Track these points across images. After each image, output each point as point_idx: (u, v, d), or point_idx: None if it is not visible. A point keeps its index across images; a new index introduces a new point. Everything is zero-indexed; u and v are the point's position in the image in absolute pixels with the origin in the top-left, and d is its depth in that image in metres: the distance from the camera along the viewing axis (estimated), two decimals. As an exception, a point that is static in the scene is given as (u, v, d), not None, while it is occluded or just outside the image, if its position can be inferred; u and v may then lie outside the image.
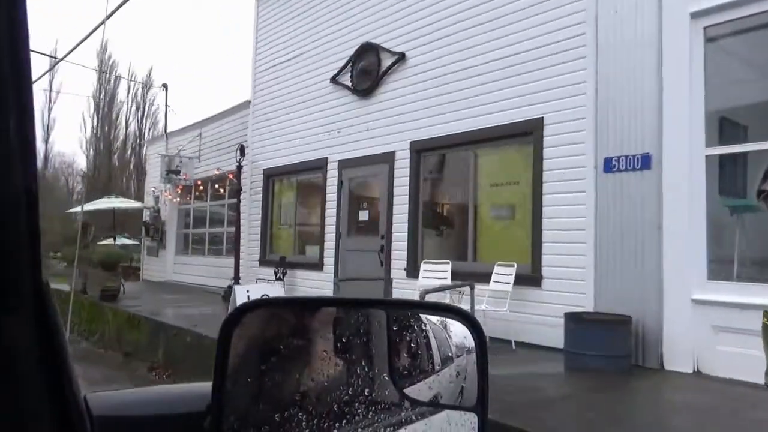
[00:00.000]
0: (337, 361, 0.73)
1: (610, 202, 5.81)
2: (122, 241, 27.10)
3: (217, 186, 13.45)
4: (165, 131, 15.46)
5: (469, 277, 7.02)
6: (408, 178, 8.22)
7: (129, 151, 46.12)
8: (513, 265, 6.39)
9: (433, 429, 0.77)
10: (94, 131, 43.77)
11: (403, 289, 7.97)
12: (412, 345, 0.82)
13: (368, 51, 9.08)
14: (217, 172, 12.42)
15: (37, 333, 0.50)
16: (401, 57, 8.49)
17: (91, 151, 43.92)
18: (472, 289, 5.08)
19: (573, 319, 5.46)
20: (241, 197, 11.33)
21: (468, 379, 0.77)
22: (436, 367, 0.82)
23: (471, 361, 0.76)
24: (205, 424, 0.66)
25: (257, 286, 7.06)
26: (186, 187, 14.54)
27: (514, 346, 6.26)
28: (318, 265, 9.75)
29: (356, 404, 0.71)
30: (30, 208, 0.47)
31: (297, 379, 0.70)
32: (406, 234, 8.15)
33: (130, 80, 38.48)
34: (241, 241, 11.16)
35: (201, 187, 13.97)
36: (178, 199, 14.68)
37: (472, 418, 0.74)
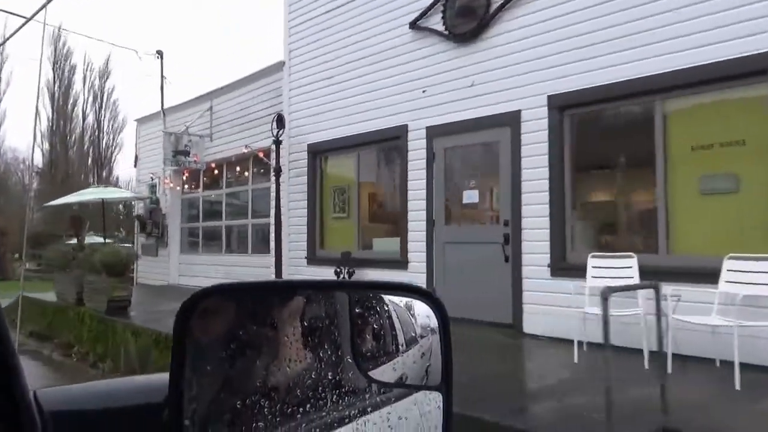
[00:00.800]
0: (299, 346, 0.70)
1: None
2: (93, 239, 24.43)
3: (238, 169, 11.11)
4: (162, 106, 12.98)
5: (663, 275, 5.05)
6: (546, 144, 6.18)
7: (87, 145, 43.28)
8: (772, 258, 4.44)
9: (399, 410, 0.77)
10: (50, 124, 40.69)
11: (551, 292, 5.96)
12: (375, 327, 0.80)
13: (470, -17, 6.97)
14: (245, 151, 10.08)
15: None
16: (526, -14, 6.43)
17: (46, 145, 40.77)
18: None
19: None
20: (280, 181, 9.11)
21: (433, 359, 0.77)
22: (401, 349, 0.81)
23: (436, 341, 0.76)
24: (163, 415, 0.61)
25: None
26: (193, 171, 12.15)
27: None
28: (400, 263, 7.62)
29: (320, 389, 0.69)
30: None
31: (259, 365, 0.67)
32: (547, 219, 6.11)
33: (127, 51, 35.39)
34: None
35: (215, 171, 11.60)
36: (186, 186, 12.29)
37: (437, 397, 0.74)
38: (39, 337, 9.74)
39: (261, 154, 9.91)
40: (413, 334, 0.81)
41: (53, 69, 40.24)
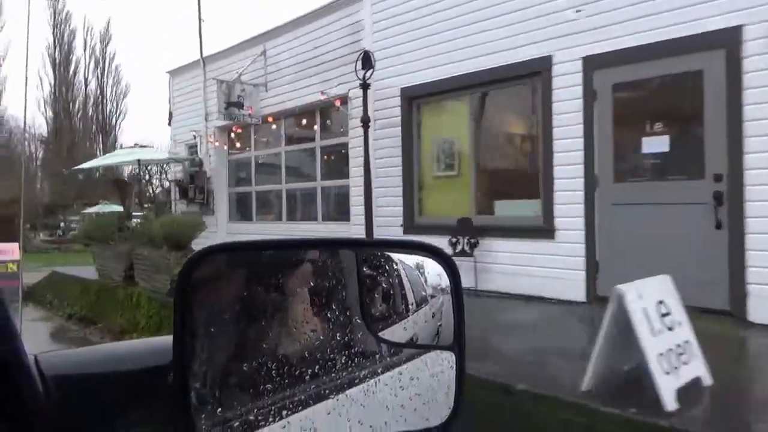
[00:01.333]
0: (307, 307, 0.67)
1: None
2: (109, 208, 23.05)
3: (305, 122, 9.48)
4: (200, 52, 11.27)
5: None
6: (790, 69, 4.57)
7: (90, 112, 41.82)
8: None
9: (410, 370, 0.75)
10: (52, 90, 39.09)
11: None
12: (384, 286, 0.78)
13: None
14: (322, 98, 8.45)
15: None
16: None
17: (50, 113, 39.28)
18: None
19: None
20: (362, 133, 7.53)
21: (444, 319, 0.75)
22: (411, 309, 0.78)
23: (447, 300, 0.75)
24: (168, 378, 0.58)
25: (652, 283, 3.41)
26: (243, 128, 10.54)
27: None
28: (541, 231, 6.10)
29: (328, 350, 0.67)
30: None
31: (265, 326, 0.64)
32: (792, 170, 4.55)
33: None
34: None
35: (273, 126, 9.98)
36: (238, 144, 10.69)
37: (449, 357, 0.73)
38: (81, 320, 8.31)
39: (338, 103, 8.29)
40: (423, 294, 0.78)
41: (53, 33, 38.44)
